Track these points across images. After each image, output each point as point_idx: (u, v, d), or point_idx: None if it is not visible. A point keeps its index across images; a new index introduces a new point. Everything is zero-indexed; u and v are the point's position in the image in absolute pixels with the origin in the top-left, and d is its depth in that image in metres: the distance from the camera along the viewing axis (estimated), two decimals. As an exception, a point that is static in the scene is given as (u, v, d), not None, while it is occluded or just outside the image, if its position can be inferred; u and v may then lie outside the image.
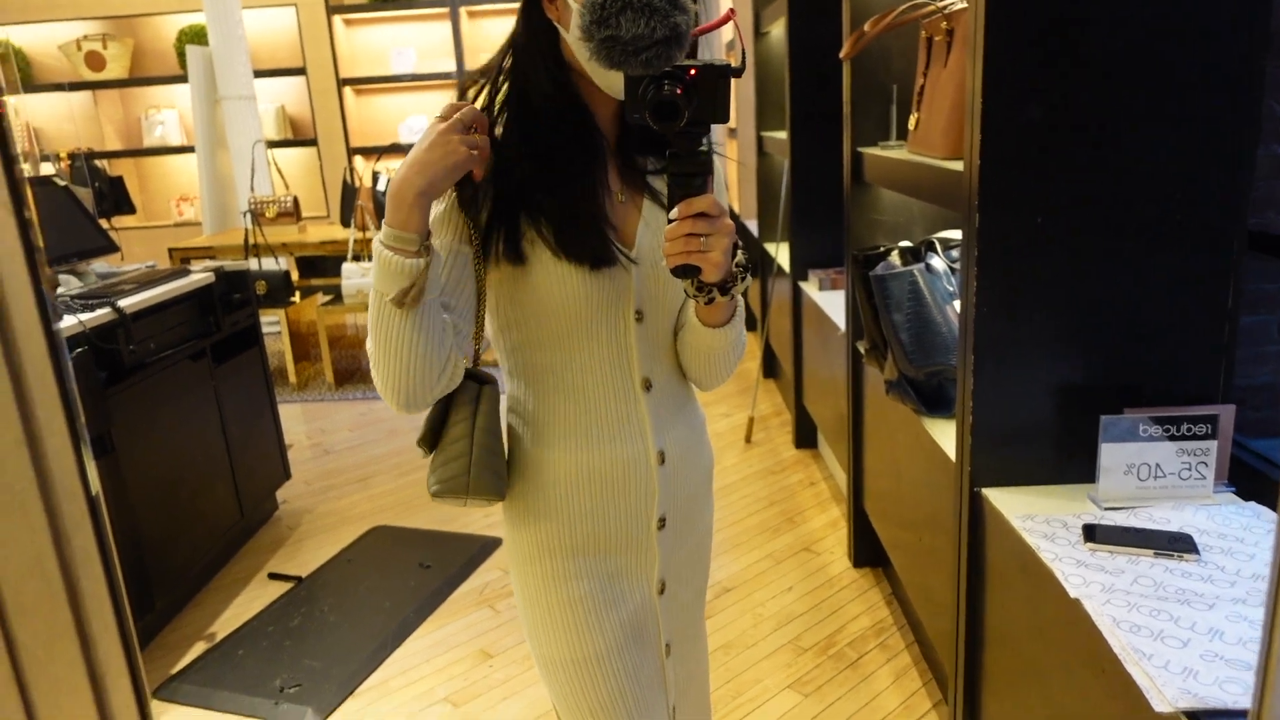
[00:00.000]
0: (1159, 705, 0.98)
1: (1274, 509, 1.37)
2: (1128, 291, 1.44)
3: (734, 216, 4.68)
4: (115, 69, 6.18)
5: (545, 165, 1.02)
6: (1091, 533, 1.33)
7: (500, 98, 1.05)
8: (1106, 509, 1.41)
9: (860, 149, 2.40)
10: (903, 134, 2.27)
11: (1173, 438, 1.40)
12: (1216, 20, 1.33)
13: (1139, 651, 1.06)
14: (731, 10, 1.01)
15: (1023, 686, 1.43)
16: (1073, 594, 1.20)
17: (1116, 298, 1.44)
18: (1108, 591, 1.20)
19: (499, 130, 1.03)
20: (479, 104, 1.04)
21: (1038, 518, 1.41)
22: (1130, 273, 1.43)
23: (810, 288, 3.30)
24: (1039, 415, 1.50)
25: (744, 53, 1.01)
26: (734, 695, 2.16)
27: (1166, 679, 1.01)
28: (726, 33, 4.73)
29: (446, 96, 6.37)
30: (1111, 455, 1.40)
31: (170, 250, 4.87)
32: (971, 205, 1.44)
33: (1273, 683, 0.59)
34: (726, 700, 2.14)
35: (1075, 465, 1.49)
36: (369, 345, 0.99)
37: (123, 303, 2.46)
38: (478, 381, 1.09)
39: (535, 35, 1.02)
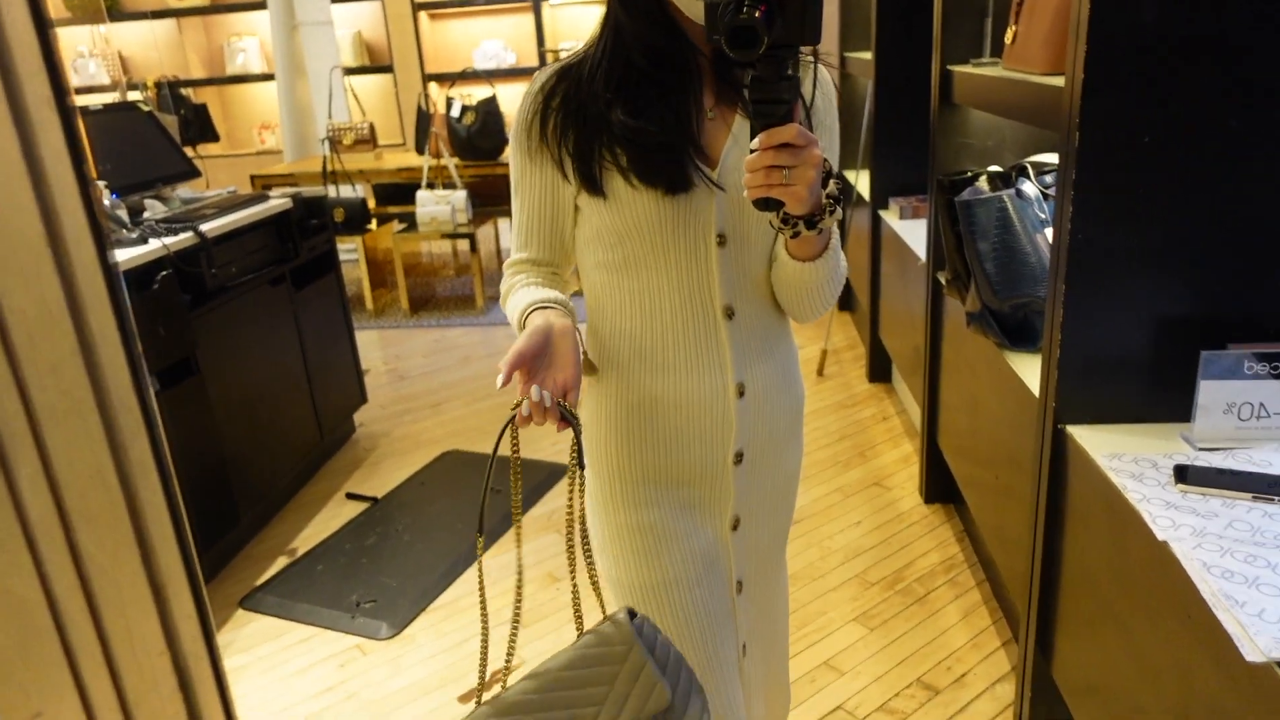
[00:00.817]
0: (1250, 655, 0.93)
1: (1390, 454, 1.27)
2: (1239, 220, 1.33)
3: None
4: (196, -3, 6.24)
5: (633, 88, 0.98)
6: (1184, 473, 1.26)
7: (591, 44, 1.03)
8: (1201, 449, 1.33)
9: (951, 67, 2.26)
10: (997, 50, 2.14)
11: (1277, 376, 1.30)
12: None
13: (1230, 598, 1.01)
14: None
15: (1100, 629, 1.39)
16: (1160, 536, 1.14)
17: (1226, 226, 1.34)
18: (1199, 535, 1.13)
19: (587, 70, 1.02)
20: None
21: (1125, 456, 1.34)
22: (1244, 199, 1.32)
23: (891, 216, 3.18)
24: (1133, 349, 1.42)
25: None
26: (799, 625, 2.16)
27: (1260, 627, 0.95)
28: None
29: (520, 21, 6.27)
30: (1210, 393, 1.32)
31: (252, 177, 4.96)
32: (1072, 124, 1.34)
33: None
34: (792, 630, 2.14)
35: (1169, 403, 1.41)
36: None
37: (204, 227, 2.51)
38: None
39: None
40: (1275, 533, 1.13)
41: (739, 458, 1.12)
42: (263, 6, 5.83)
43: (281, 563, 2.61)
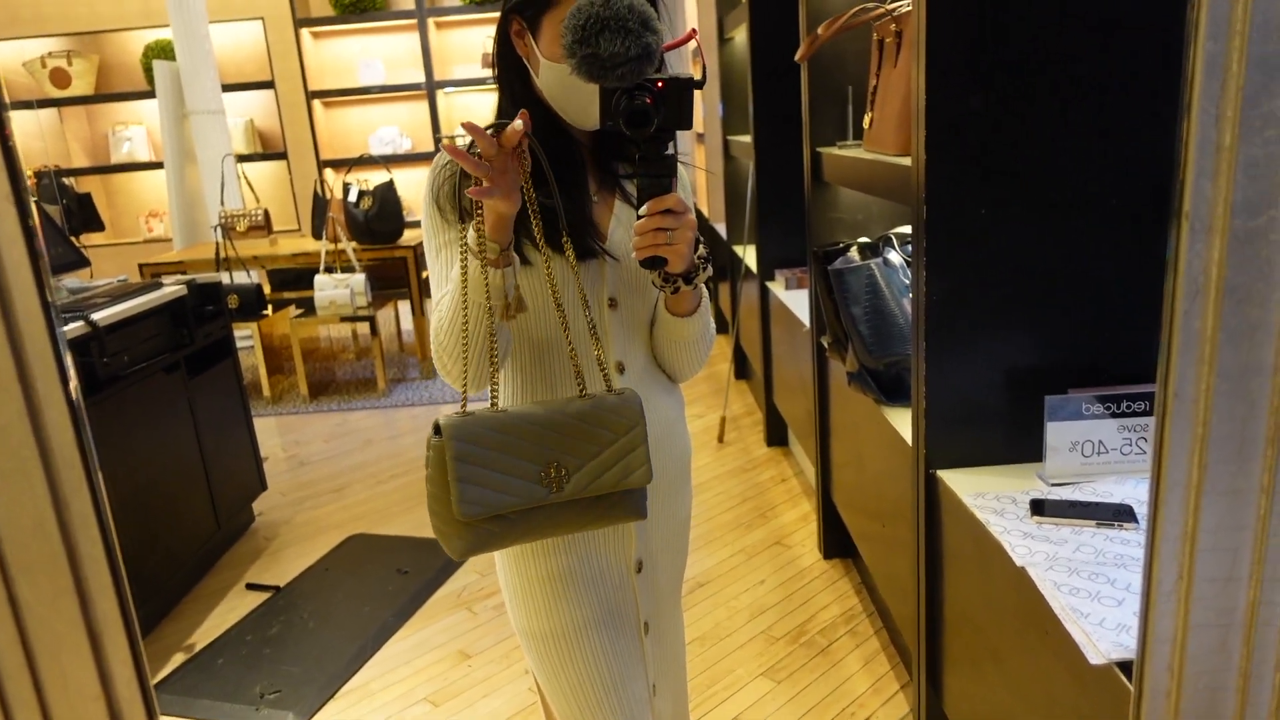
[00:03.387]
0: (1094, 658, 1.04)
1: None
2: (1069, 277, 1.51)
3: (702, 220, 4.73)
4: (81, 85, 6.16)
5: (535, 178, 1.10)
6: (1039, 507, 1.40)
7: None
8: (1054, 485, 1.48)
9: (819, 149, 2.47)
10: (858, 134, 2.35)
11: (1114, 415, 1.47)
12: (1152, 12, 1.41)
13: (1077, 611, 1.13)
14: (693, 30, 1.13)
15: (979, 659, 1.50)
16: (1018, 563, 1.27)
17: (1058, 283, 1.52)
18: (1051, 560, 1.26)
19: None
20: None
21: (988, 495, 1.48)
22: (1071, 258, 1.50)
23: (777, 287, 3.37)
24: (989, 398, 1.57)
25: (704, 66, 1.11)
26: (709, 684, 2.21)
27: (1102, 634, 1.07)
28: (691, 45, 4.82)
29: (415, 107, 6.41)
30: (1057, 434, 1.48)
31: (140, 266, 4.86)
32: (919, 198, 1.51)
33: (1151, 635, 0.65)
34: (702, 689, 2.19)
35: (1024, 445, 1.56)
36: (444, 338, 1.10)
37: (95, 316, 2.48)
38: (436, 433, 1.06)
39: (509, 74, 1.14)
40: (1115, 553, 1.27)
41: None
42: (150, 95, 5.80)
43: (179, 659, 2.51)
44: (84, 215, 5.56)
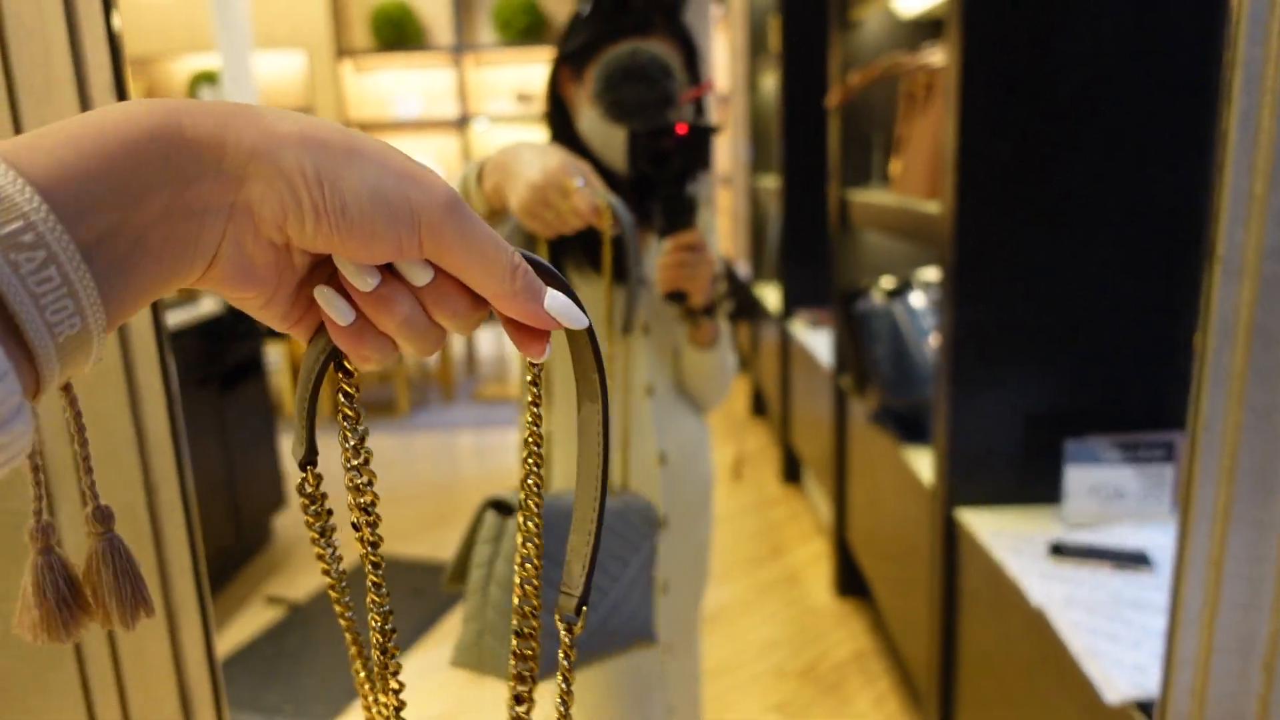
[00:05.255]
0: (1110, 697, 1.06)
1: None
2: (1092, 323, 1.55)
3: (726, 261, 4.76)
4: (123, 107, 6.32)
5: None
6: (1058, 549, 1.42)
7: None
8: (1072, 526, 1.50)
9: (846, 194, 2.52)
10: (883, 178, 2.40)
11: (1132, 461, 1.49)
12: (1172, 67, 1.46)
13: (1094, 651, 1.15)
14: (709, 81, 1.21)
15: (992, 699, 1.51)
16: (1035, 603, 1.29)
17: (1081, 329, 1.55)
18: (1068, 600, 1.28)
19: None
20: None
21: (1006, 534, 1.50)
22: (1094, 305, 1.54)
23: (798, 327, 3.41)
24: (1010, 440, 1.60)
25: (710, 114, 1.18)
26: (717, 717, 2.21)
27: (1118, 674, 1.09)
28: (714, 87, 4.93)
29: (447, 141, 6.54)
30: (1075, 478, 1.50)
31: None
32: (947, 243, 1.55)
33: (1175, 667, 0.67)
34: (712, 721, 2.20)
35: (1043, 487, 1.59)
36: None
37: (134, 327, 2.54)
38: (501, 512, 0.98)
39: (558, 115, 1.21)
40: (1131, 597, 1.29)
41: (664, 523, 1.23)
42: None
43: (194, 669, 2.54)
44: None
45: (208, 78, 6.15)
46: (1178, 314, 1.52)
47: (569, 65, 1.17)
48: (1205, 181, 1.48)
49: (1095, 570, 1.36)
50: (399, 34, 6.23)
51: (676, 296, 1.12)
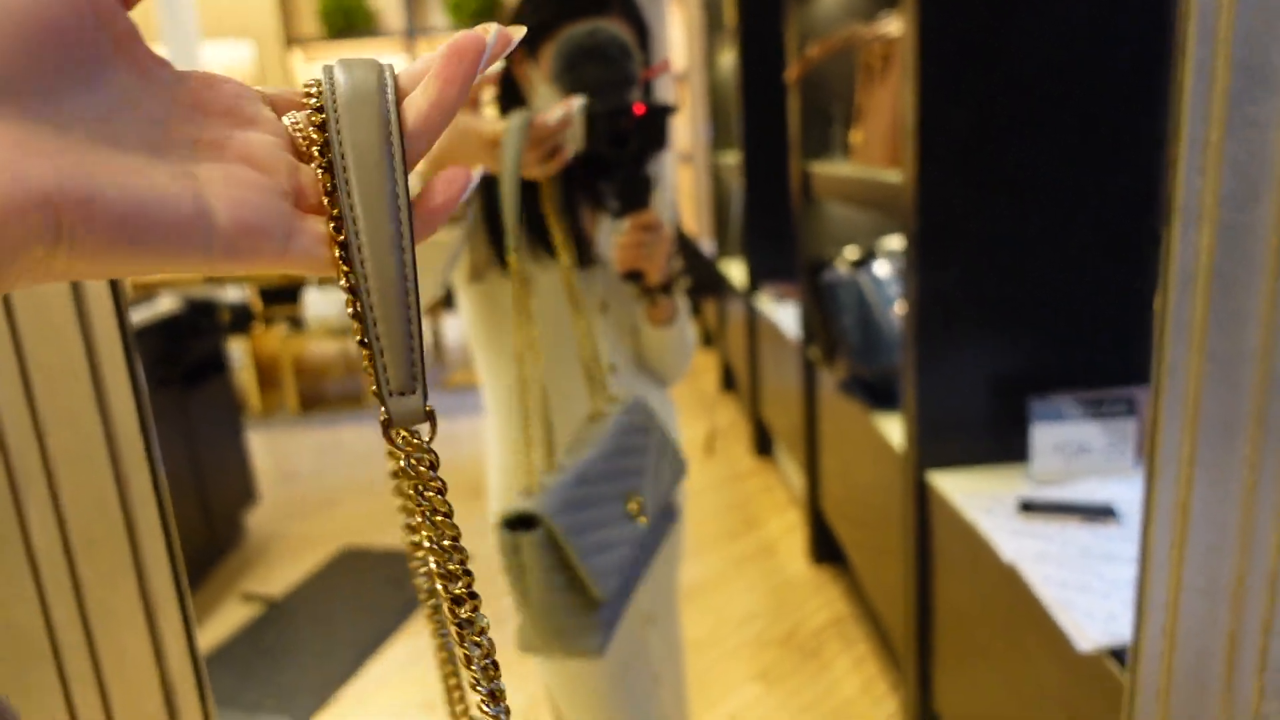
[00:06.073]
0: (1083, 645, 1.09)
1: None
2: (1054, 285, 1.57)
3: (690, 238, 4.77)
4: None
5: (530, 194, 1.16)
6: (1026, 505, 1.45)
7: None
8: (1040, 484, 1.53)
9: (808, 166, 2.53)
10: (844, 150, 2.41)
11: (1095, 417, 1.53)
12: (1130, 32, 1.48)
13: (1066, 602, 1.17)
14: (666, 60, 1.19)
15: (969, 656, 1.54)
16: (1007, 559, 1.31)
17: (1044, 291, 1.57)
18: (1039, 555, 1.31)
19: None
20: None
21: (977, 495, 1.52)
22: (1056, 267, 1.56)
23: (764, 301, 3.43)
24: (977, 402, 1.62)
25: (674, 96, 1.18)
26: (701, 689, 2.24)
27: (1089, 623, 1.12)
28: (667, 73, 4.92)
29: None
30: (1041, 435, 1.53)
31: (131, 284, 4.86)
32: (909, 211, 1.56)
33: (1147, 615, 0.69)
34: (694, 694, 2.22)
35: (1010, 446, 1.62)
36: None
37: (91, 327, 2.49)
38: (512, 529, 0.95)
39: (509, 97, 1.20)
40: (1100, 549, 1.32)
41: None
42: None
43: (171, 670, 2.51)
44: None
45: (154, 70, 6.00)
46: (1138, 273, 1.55)
47: (522, 44, 1.16)
48: (1164, 142, 1.51)
49: (1064, 525, 1.39)
50: (348, 20, 6.12)
51: (634, 275, 1.14)
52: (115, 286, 0.59)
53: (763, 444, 3.76)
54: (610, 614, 0.94)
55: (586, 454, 0.99)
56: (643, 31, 1.16)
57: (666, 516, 1.10)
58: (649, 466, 1.04)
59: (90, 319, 0.58)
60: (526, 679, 2.33)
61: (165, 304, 2.91)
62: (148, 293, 4.57)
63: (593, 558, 0.91)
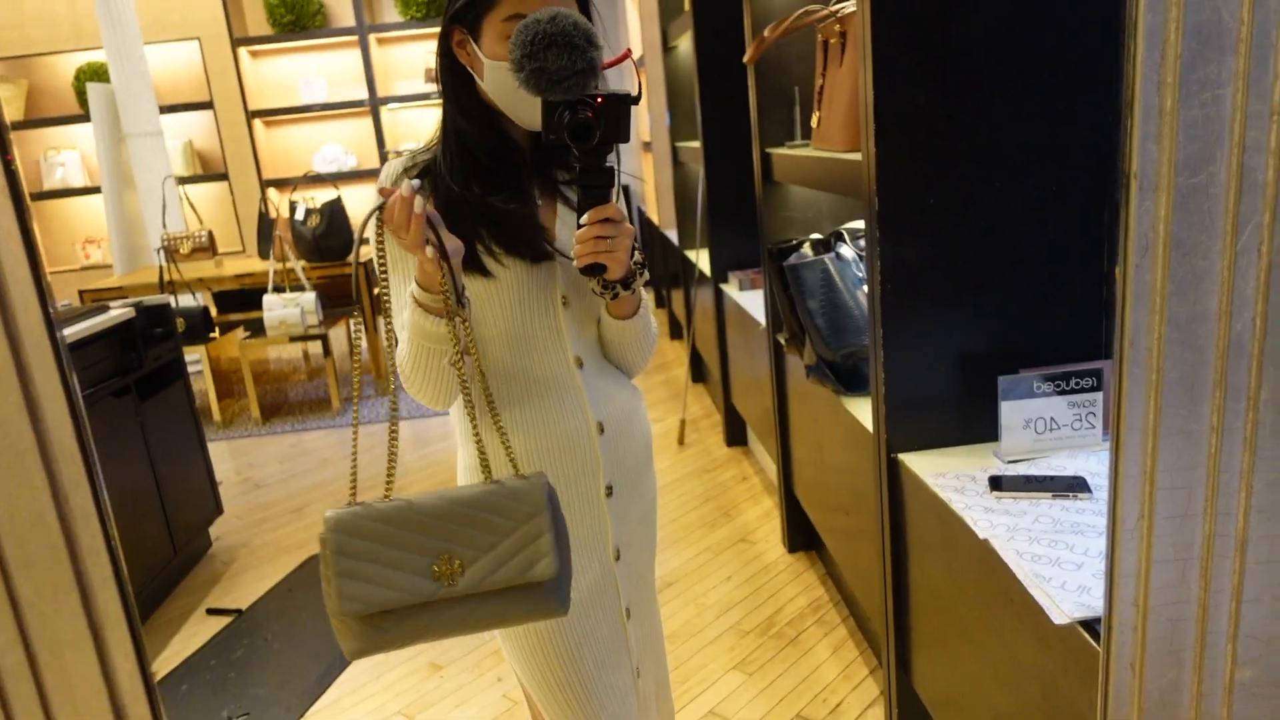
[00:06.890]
0: (1057, 618, 1.09)
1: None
2: (1019, 262, 1.57)
3: (654, 228, 4.75)
4: (10, 111, 6.00)
5: (484, 181, 1.14)
6: (997, 483, 1.45)
7: (433, 142, 1.19)
8: (1010, 462, 1.54)
9: (769, 149, 2.52)
10: (806, 133, 2.40)
11: (1063, 392, 1.53)
12: (1078, 6, 1.48)
13: (1039, 576, 1.18)
14: (629, 50, 1.17)
15: (946, 635, 1.55)
16: (981, 535, 1.32)
17: (1009, 269, 1.58)
18: (1012, 531, 1.31)
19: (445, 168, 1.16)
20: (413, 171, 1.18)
21: (949, 474, 1.52)
22: (1020, 244, 1.56)
23: (731, 289, 3.42)
24: (945, 382, 1.62)
25: (640, 83, 1.15)
26: (681, 680, 2.23)
27: (1063, 596, 1.12)
28: (629, 62, 4.89)
29: (359, 125, 6.36)
30: (1010, 413, 1.53)
31: (81, 293, 4.75)
32: (871, 191, 1.56)
33: (1117, 584, 0.69)
34: (675, 685, 2.21)
35: (980, 425, 1.62)
36: (407, 369, 1.12)
37: (42, 340, 2.42)
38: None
39: (454, 84, 1.16)
40: (1071, 522, 1.32)
41: (610, 490, 1.23)
42: (83, 119, 5.67)
43: (140, 687, 2.46)
44: (18, 243, 5.40)
45: (95, 73, 5.87)
46: (1101, 247, 1.56)
47: (461, 24, 1.12)
48: (1120, 117, 1.51)
49: (1036, 500, 1.39)
50: (296, 17, 6.01)
51: (594, 269, 1.10)
52: (41, 290, 0.56)
53: (736, 433, 3.76)
54: (368, 639, 0.99)
55: (417, 501, 0.99)
56: (586, 11, 1.13)
57: (529, 598, 1.01)
58: (488, 543, 0.98)
59: (16, 325, 0.55)
60: (505, 678, 2.31)
61: (117, 312, 2.84)
62: (99, 299, 4.47)
63: (348, 580, 0.98)
